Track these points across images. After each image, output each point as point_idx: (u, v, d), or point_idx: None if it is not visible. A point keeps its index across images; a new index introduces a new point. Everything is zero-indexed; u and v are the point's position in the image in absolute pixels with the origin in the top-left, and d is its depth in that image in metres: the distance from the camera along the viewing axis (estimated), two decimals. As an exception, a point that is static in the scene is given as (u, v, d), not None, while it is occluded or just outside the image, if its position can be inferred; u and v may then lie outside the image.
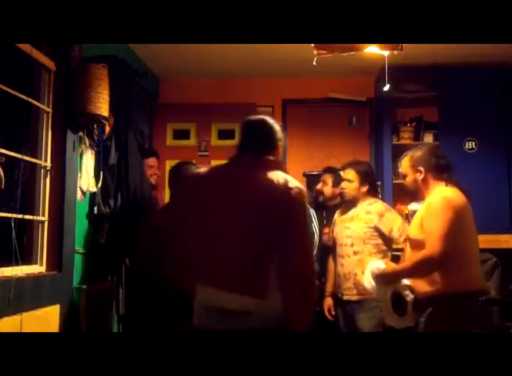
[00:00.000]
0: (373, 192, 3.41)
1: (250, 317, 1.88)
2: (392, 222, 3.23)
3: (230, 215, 1.95)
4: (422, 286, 2.46)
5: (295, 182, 1.99)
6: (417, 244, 2.48)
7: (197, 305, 2.04)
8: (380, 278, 2.56)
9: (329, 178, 3.79)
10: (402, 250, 2.72)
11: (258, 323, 1.89)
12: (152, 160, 3.83)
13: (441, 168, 2.56)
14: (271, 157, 2.01)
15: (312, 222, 3.68)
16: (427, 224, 2.44)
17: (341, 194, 3.46)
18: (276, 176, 1.95)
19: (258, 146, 2.01)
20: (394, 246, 3.31)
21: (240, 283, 1.91)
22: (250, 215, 1.93)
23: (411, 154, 2.63)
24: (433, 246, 2.35)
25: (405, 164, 2.63)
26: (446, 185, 2.52)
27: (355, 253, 3.23)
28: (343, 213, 3.44)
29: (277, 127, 2.08)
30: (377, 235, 3.22)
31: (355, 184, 3.33)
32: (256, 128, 2.06)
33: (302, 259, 1.91)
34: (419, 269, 2.43)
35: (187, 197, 2.09)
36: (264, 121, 2.07)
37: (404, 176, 2.67)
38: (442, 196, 2.46)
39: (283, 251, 1.91)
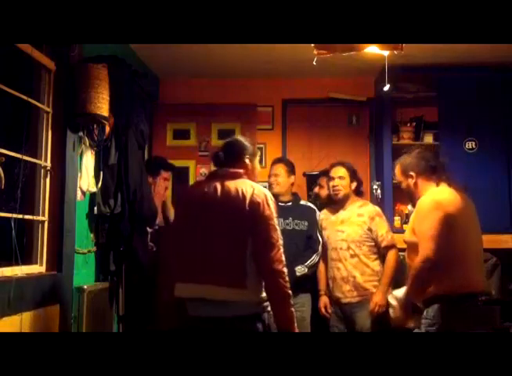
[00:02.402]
0: (359, 191, 3.44)
1: (236, 305, 2.20)
2: (379, 228, 3.28)
3: (212, 220, 2.30)
4: None
5: (260, 188, 2.35)
6: (413, 247, 2.49)
7: (186, 300, 2.31)
8: (404, 305, 2.54)
9: (325, 182, 3.78)
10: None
11: (242, 310, 2.21)
12: (168, 174, 3.82)
13: (431, 170, 2.61)
14: (240, 170, 2.39)
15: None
16: (417, 227, 2.47)
17: (334, 193, 3.44)
18: (244, 184, 2.32)
19: (227, 162, 2.42)
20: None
21: (226, 278, 2.23)
22: (227, 219, 2.28)
23: (401, 162, 2.72)
24: (425, 248, 2.37)
25: (397, 172, 2.72)
26: (437, 185, 2.56)
27: (352, 256, 3.24)
28: (331, 214, 3.44)
29: (245, 144, 2.47)
30: (371, 237, 3.24)
31: (347, 180, 3.35)
32: (227, 147, 2.48)
33: (268, 254, 2.21)
34: (420, 278, 2.42)
35: (182, 211, 2.47)
36: (233, 142, 2.51)
37: (399, 183, 2.75)
38: (429, 197, 2.50)
39: (254, 248, 2.24)
